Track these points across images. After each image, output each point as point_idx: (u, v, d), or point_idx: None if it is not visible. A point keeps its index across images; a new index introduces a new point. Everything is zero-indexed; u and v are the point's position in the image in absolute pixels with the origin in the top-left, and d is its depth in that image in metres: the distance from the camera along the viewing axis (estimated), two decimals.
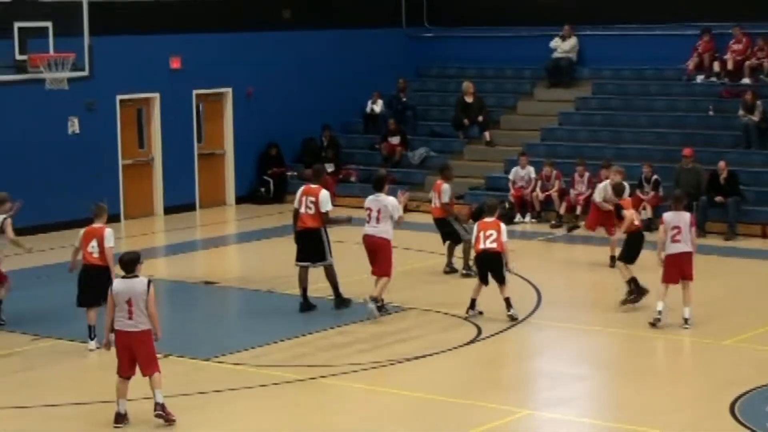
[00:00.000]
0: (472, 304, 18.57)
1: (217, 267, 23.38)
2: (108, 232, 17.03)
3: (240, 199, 29.78)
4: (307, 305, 19.08)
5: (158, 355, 15.10)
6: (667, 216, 18.16)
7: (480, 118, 29.68)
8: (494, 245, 18.25)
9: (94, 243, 16.98)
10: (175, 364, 16.30)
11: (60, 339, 17.48)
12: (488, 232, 18.33)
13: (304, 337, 17.64)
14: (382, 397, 15.02)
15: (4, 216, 18.38)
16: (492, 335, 17.60)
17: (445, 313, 18.74)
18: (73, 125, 26.45)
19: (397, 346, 17.09)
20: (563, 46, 30.73)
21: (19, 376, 15.98)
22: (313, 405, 14.83)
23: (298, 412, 14.59)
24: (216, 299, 20.74)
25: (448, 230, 21.40)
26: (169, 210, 28.30)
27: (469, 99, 29.87)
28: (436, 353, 16.74)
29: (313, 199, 18.76)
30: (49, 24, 22.21)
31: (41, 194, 25.65)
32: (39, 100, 24.76)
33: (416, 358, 16.52)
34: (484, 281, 18.52)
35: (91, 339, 16.95)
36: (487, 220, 18.60)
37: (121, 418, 13.89)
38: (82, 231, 17.26)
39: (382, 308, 18.75)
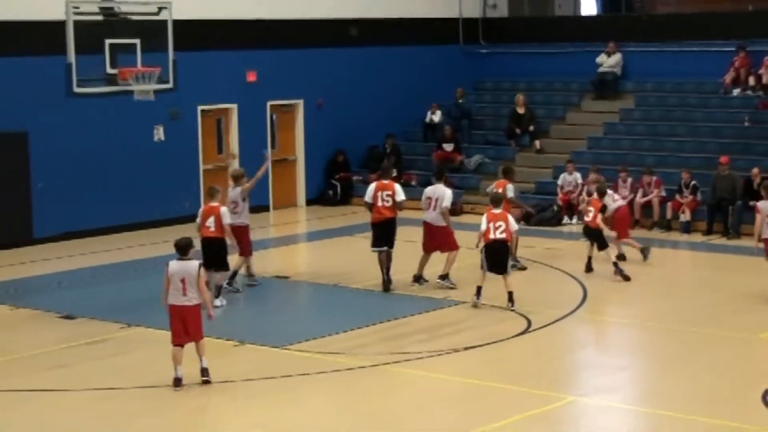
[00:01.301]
0: (478, 292, 18.63)
1: (289, 263, 23.50)
2: (224, 210, 18.61)
3: (310, 201, 29.90)
4: (389, 284, 19.83)
5: (234, 343, 15.58)
6: (761, 204, 19.12)
7: (531, 128, 29.64)
8: (503, 235, 18.44)
9: (211, 219, 18.49)
10: (250, 351, 16.47)
11: (149, 328, 17.59)
12: (498, 223, 18.44)
13: (367, 327, 17.71)
14: (438, 382, 15.07)
15: (240, 188, 19.86)
16: (540, 327, 17.60)
17: (498, 307, 18.72)
18: (159, 133, 26.66)
19: (453, 337, 17.13)
20: (608, 62, 30.60)
21: (110, 361, 16.17)
22: (375, 389, 14.92)
23: (360, 395, 14.69)
24: (287, 292, 20.84)
25: None
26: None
27: (520, 110, 29.85)
28: (489, 344, 16.76)
29: (389, 192, 19.73)
30: (137, 41, 22.45)
31: (129, 196, 25.97)
32: (127, 110, 25.00)
33: (470, 347, 16.55)
34: (492, 270, 18.61)
35: (216, 297, 18.49)
36: (495, 211, 18.64)
37: (178, 382, 14.63)
38: (200, 210, 18.89)
39: (445, 278, 19.73)
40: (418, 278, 20.14)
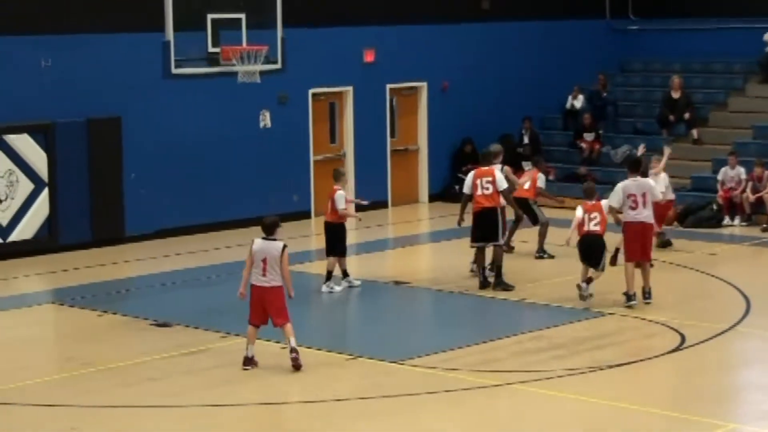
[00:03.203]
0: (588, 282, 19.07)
1: (409, 266, 23.45)
2: (339, 193, 20.13)
3: (433, 197, 29.87)
4: (486, 282, 20.22)
5: (346, 356, 15.67)
6: None
7: (686, 116, 29.21)
8: (598, 228, 18.91)
9: (330, 204, 20.34)
10: (363, 366, 16.43)
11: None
12: (593, 215, 18.89)
13: (499, 340, 17.59)
14: (577, 405, 14.85)
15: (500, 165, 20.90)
16: (697, 343, 17.28)
17: (647, 320, 18.46)
18: (265, 119, 26.84)
19: (595, 353, 16.91)
20: None
21: (208, 375, 16.25)
22: (504, 411, 14.78)
23: (486, 419, 14.54)
24: (407, 300, 20.81)
25: (528, 212, 22.82)
26: (359, 207, 28.43)
27: (675, 95, 29.45)
28: (637, 361, 16.52)
29: (489, 179, 20.01)
30: (242, 16, 22.61)
31: (231, 189, 26.22)
32: (230, 93, 25.23)
33: (616, 365, 16.32)
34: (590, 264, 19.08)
35: (344, 278, 20.62)
36: (590, 202, 19.08)
37: (248, 361, 16.01)
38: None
39: (649, 295, 19.20)
40: (634, 295, 19.12)
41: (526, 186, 22.72)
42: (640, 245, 19.02)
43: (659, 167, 22.84)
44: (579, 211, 19.09)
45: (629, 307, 18.84)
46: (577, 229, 19.06)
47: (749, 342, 17.79)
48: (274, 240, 15.87)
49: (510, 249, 22.56)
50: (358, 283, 20.66)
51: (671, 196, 23.19)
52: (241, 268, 22.21)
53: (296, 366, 15.83)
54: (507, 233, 21.49)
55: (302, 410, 14.82)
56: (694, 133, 29.15)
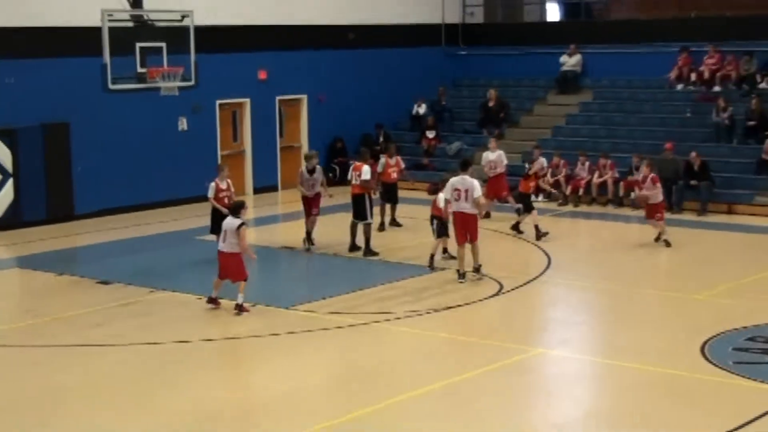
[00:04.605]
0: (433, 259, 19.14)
1: (294, 235, 23.37)
2: (211, 185, 19.51)
3: None
4: (354, 247, 20.36)
5: (248, 305, 15.60)
6: None
7: (501, 115, 29.47)
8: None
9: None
10: (261, 311, 16.43)
11: (174, 292, 17.59)
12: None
13: (361, 291, 17.68)
14: (421, 338, 15.04)
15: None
16: (511, 290, 17.58)
17: (472, 272, 18.66)
18: (182, 124, 26.59)
19: (435, 299, 17.09)
20: (570, 62, 30.52)
21: (140, 320, 16.12)
22: (366, 343, 14.90)
23: (353, 348, 14.68)
24: (293, 261, 20.79)
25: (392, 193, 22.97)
26: (257, 190, 28.44)
27: (491, 104, 29.77)
28: (466, 304, 16.75)
29: (358, 173, 20.26)
30: (163, 44, 22.33)
31: (156, 178, 25.90)
32: (155, 104, 24.90)
33: (450, 307, 16.54)
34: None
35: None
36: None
37: (212, 300, 16.45)
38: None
39: (479, 270, 18.19)
40: (464, 274, 18.09)
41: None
42: (464, 230, 18.08)
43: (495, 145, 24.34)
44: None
45: (461, 283, 17.88)
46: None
47: (550, 289, 18.09)
48: (237, 218, 16.20)
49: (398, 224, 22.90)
50: None
51: (502, 169, 23.93)
52: (165, 240, 22.32)
53: (243, 311, 16.14)
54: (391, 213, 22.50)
55: (212, 346, 14.78)
56: (496, 132, 29.37)
